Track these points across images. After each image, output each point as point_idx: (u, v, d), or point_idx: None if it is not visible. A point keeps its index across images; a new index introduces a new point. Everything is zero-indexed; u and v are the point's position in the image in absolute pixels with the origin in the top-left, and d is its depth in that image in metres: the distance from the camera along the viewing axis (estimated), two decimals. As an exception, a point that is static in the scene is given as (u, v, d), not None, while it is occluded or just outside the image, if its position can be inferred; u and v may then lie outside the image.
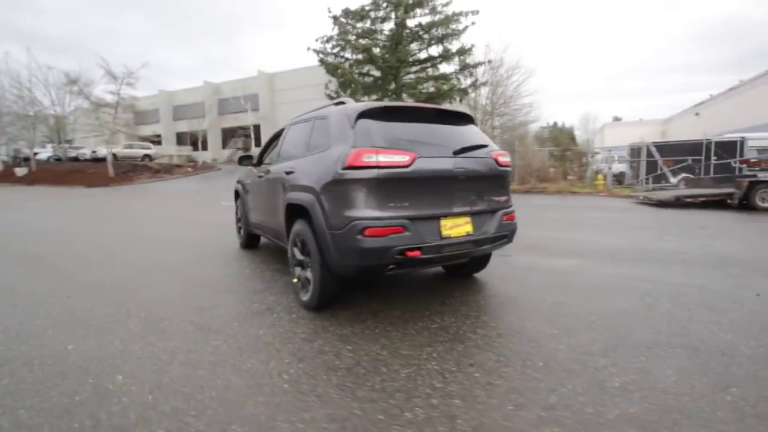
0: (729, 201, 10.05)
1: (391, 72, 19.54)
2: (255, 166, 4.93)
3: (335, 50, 20.31)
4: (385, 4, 19.83)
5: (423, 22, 19.51)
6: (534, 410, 1.88)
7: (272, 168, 4.05)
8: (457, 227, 2.88)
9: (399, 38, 18.82)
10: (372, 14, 20.48)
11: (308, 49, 20.22)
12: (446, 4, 19.72)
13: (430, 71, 20.68)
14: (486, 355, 2.41)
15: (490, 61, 19.56)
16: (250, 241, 5.41)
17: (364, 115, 2.88)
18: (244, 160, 4.98)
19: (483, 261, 3.82)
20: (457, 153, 2.94)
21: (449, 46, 19.69)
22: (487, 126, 27.76)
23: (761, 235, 6.60)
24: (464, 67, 19.73)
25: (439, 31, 19.52)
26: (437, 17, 19.59)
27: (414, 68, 20.68)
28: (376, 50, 18.98)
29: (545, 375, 2.18)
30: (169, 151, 35.75)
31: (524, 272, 4.18)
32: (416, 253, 2.68)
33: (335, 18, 19.97)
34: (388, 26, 20.56)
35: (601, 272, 4.19)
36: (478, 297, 3.44)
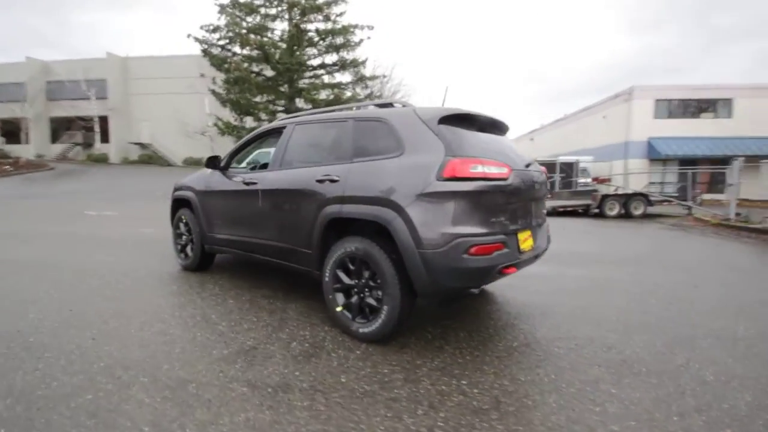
0: (581, 210, 12.71)
1: (288, 74, 18.62)
2: (222, 170, 4.01)
3: (222, 42, 18.34)
4: (277, 2, 18.86)
5: (320, 28, 19.21)
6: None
7: (274, 175, 3.35)
8: (526, 241, 2.84)
9: (298, 41, 18.08)
10: (262, 10, 19.25)
11: (188, 36, 17.86)
12: (340, 14, 19.86)
13: (326, 78, 20.45)
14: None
15: (385, 76, 20.42)
16: (204, 262, 4.37)
17: (444, 120, 2.62)
18: (212, 161, 4.00)
19: None
20: (528, 165, 2.92)
21: (346, 56, 19.85)
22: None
23: (637, 237, 8.40)
24: (360, 79, 20.11)
25: (336, 40, 19.50)
26: (331, 26, 19.55)
27: (309, 73, 20.15)
28: (273, 50, 17.80)
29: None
30: (-35, 141, 26.82)
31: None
32: (512, 270, 2.55)
33: (222, 7, 18.07)
34: (282, 26, 19.65)
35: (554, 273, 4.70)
36: (490, 308, 3.46)
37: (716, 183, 21.79)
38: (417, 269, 2.40)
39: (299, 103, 20.52)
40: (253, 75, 17.86)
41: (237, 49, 18.49)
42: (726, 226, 10.03)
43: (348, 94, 19.41)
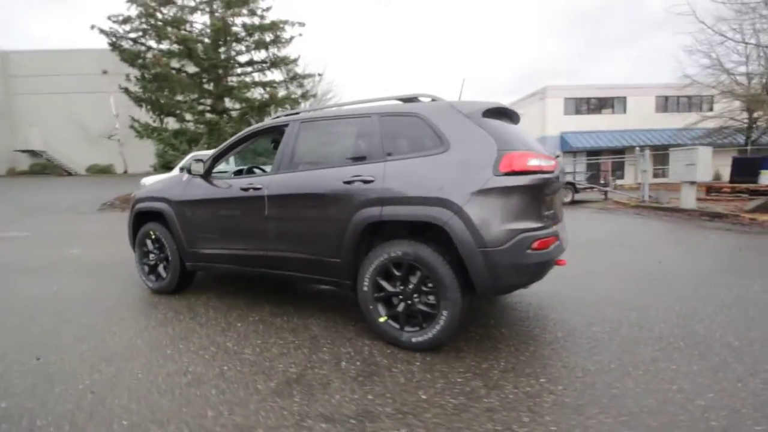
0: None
1: (214, 71, 17.21)
2: (204, 177, 3.50)
3: (134, 35, 16.34)
4: (196, -7, 17.32)
5: (247, 23, 18.04)
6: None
7: (283, 179, 2.99)
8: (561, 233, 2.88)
9: (225, 35, 16.77)
10: (179, 1, 17.52)
11: (92, 27, 15.53)
12: (266, 9, 18.87)
13: (256, 77, 19.31)
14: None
15: (319, 74, 19.86)
16: (183, 282, 3.79)
17: (486, 113, 2.54)
18: (197, 164, 3.45)
19: None
20: (557, 157, 2.95)
21: (277, 53, 18.92)
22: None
23: (578, 222, 9.19)
24: (294, 77, 19.33)
25: (265, 37, 18.49)
26: (258, 21, 18.51)
27: (238, 71, 18.86)
28: (196, 45, 16.29)
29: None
30: None
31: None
32: (563, 262, 2.56)
33: (132, -5, 16.06)
34: (204, 19, 18.10)
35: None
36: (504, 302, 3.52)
37: (615, 170, 24.97)
38: (479, 269, 2.29)
39: (228, 102, 19.12)
40: (174, 71, 16.17)
41: (153, 43, 16.60)
42: (643, 207, 11.45)
43: (282, 92, 18.52)
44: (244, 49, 18.73)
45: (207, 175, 3.49)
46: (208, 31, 17.25)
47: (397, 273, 2.53)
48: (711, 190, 13.68)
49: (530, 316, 3.14)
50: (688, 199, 10.20)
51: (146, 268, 3.93)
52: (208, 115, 16.99)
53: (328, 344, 2.67)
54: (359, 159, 2.76)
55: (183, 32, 16.12)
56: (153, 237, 3.83)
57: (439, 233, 2.50)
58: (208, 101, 17.92)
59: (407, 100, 2.87)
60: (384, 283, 2.59)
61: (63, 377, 2.28)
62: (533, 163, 2.34)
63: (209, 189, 3.42)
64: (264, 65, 19.38)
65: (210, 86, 18.08)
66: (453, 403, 1.97)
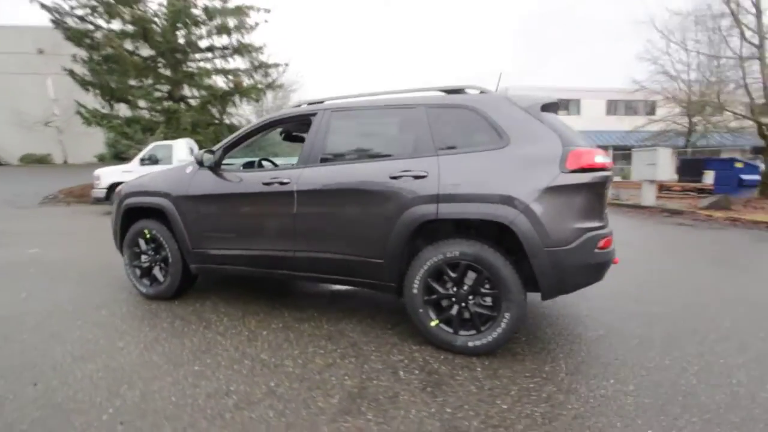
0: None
1: (172, 55, 16.00)
2: (213, 169, 3.14)
3: (81, 12, 14.77)
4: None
5: (208, 6, 16.93)
6: None
7: (317, 172, 2.73)
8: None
9: (186, 17, 15.60)
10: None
11: (32, 1, 13.83)
12: (227, -8, 17.83)
13: (218, 63, 18.21)
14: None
15: (286, 64, 19.09)
16: (184, 286, 3.41)
17: (545, 108, 2.46)
18: (208, 155, 3.06)
19: None
20: None
21: (241, 40, 17.95)
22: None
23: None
24: (260, 66, 18.45)
25: (228, 21, 17.47)
26: (221, 4, 17.46)
27: (199, 56, 17.68)
28: (153, 26, 15.04)
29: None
30: None
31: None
32: (617, 261, 2.54)
33: (75, -32, 14.49)
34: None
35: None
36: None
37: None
38: (545, 269, 2.21)
39: (188, 90, 17.90)
40: (128, 54, 14.80)
41: (102, 22, 15.07)
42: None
43: (248, 81, 17.60)
44: (205, 33, 17.58)
45: (217, 168, 3.14)
46: (165, 11, 15.98)
47: (452, 274, 2.39)
48: (662, 188, 14.76)
49: (562, 314, 3.12)
50: (649, 196, 10.91)
51: (137, 272, 3.49)
52: (166, 103, 15.78)
53: (373, 351, 2.48)
54: (405, 152, 2.57)
55: (137, 11, 14.79)
56: (147, 236, 3.40)
57: (498, 232, 2.39)
58: (165, 87, 16.67)
59: (452, 91, 2.72)
60: (436, 286, 2.44)
61: (78, 407, 1.92)
62: (599, 159, 2.28)
63: (221, 183, 3.07)
64: (226, 51, 18.34)
65: (167, 71, 16.83)
66: (538, 411, 1.88)
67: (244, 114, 21.73)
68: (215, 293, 3.61)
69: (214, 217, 3.10)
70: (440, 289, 2.44)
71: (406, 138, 2.63)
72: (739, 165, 13.45)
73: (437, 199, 2.37)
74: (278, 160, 4.66)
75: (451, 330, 2.43)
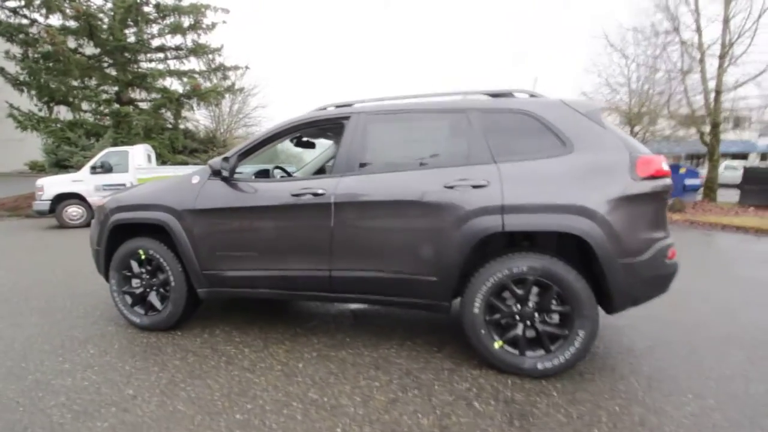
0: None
1: (121, 54, 14.74)
2: (226, 179, 2.76)
3: (14, 4, 13.21)
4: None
5: (161, 3, 15.84)
6: None
7: (357, 181, 2.46)
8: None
9: (136, 14, 14.45)
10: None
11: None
12: (181, -11, 16.82)
13: (172, 65, 17.07)
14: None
15: (247, 67, 18.28)
16: (187, 314, 2.97)
17: (601, 113, 2.37)
18: (224, 163, 2.66)
19: None
20: None
21: (198, 40, 16.97)
22: (231, 136, 25.96)
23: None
24: (218, 68, 17.52)
25: (183, 20, 16.45)
26: (174, 2, 16.43)
27: (151, 56, 16.46)
28: (99, 22, 13.77)
29: None
30: None
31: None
32: (671, 272, 2.49)
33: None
34: (105, -7, 15.40)
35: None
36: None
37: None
38: (619, 281, 2.11)
39: (136, 92, 16.58)
40: (70, 51, 13.38)
41: (38, 16, 13.53)
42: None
43: (206, 84, 16.61)
44: (157, 32, 16.43)
45: (229, 178, 2.76)
46: (111, 6, 14.70)
47: (518, 291, 2.22)
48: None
49: (602, 325, 3.06)
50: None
51: (129, 299, 3.00)
52: (116, 106, 14.49)
53: (433, 380, 2.24)
54: (457, 160, 2.38)
55: (81, 6, 13.47)
56: (141, 258, 2.93)
57: (565, 244, 2.26)
58: (113, 89, 15.33)
59: (499, 95, 2.57)
60: (499, 304, 2.26)
61: (105, 482, 1.51)
62: (664, 166, 2.22)
63: (238, 195, 2.70)
64: (181, 52, 17.25)
65: (114, 72, 15.49)
66: (642, 439, 1.74)
67: (197, 119, 20.56)
68: (219, 319, 3.18)
69: (231, 233, 2.72)
70: (504, 308, 2.26)
71: (456, 144, 2.44)
72: (682, 171, 14.64)
73: (502, 210, 2.19)
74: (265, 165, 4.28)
75: (516, 351, 2.25)
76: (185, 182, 2.87)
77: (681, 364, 2.43)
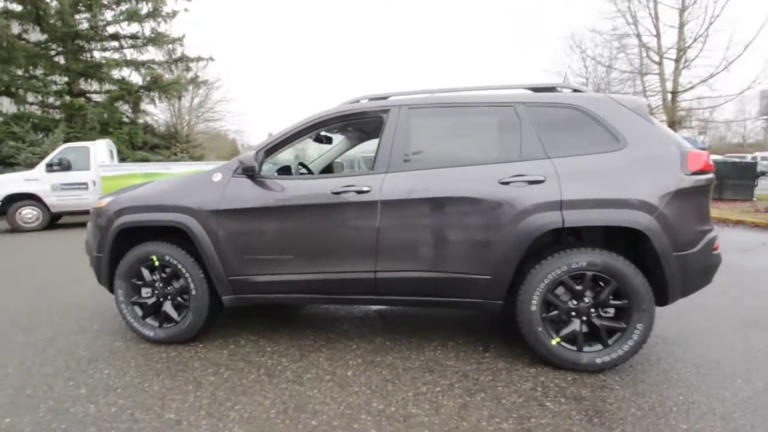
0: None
1: (72, 41, 13.53)
2: (253, 178, 2.54)
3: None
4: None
5: (115, -13, 14.69)
6: None
7: (404, 179, 2.34)
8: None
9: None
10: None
11: None
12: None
13: (129, 54, 15.90)
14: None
15: (212, 58, 17.38)
16: (209, 322, 2.72)
17: (646, 109, 2.40)
18: (250, 157, 2.42)
19: None
20: None
21: (157, 29, 15.91)
22: (193, 131, 24.69)
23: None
24: (181, 59, 16.54)
25: (140, 7, 15.37)
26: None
27: (105, 44, 15.24)
28: (48, 7, 12.53)
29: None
30: None
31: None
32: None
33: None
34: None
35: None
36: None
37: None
38: (674, 274, 2.14)
39: (89, 83, 15.30)
40: (15, 38, 12.06)
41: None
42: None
43: (168, 75, 15.61)
44: (111, 19, 15.22)
45: (256, 176, 2.54)
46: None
47: (576, 287, 2.20)
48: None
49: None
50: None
51: (140, 310, 2.71)
52: (67, 98, 13.30)
53: (494, 382, 2.18)
54: (508, 155, 2.33)
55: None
56: (155, 264, 2.65)
57: (607, 238, 2.29)
58: (64, 79, 14.06)
59: (542, 89, 2.54)
60: (556, 300, 2.24)
61: None
62: (710, 161, 2.28)
63: (270, 194, 2.49)
64: (138, 41, 16.11)
65: (63, 60, 14.21)
66: (719, 427, 1.77)
67: (154, 113, 19.32)
68: (238, 328, 2.96)
69: (263, 235, 2.51)
70: (561, 304, 2.24)
71: (507, 139, 2.38)
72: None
73: (560, 205, 2.16)
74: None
75: (573, 347, 2.24)
76: (205, 180, 2.62)
77: (718, 349, 2.52)
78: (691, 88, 13.41)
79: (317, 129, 2.71)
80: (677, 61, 13.07)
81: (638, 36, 13.40)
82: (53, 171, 8.60)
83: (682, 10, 12.90)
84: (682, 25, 12.84)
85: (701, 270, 2.22)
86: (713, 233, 2.29)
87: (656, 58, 13.30)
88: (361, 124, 2.92)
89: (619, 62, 15.24)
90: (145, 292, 2.72)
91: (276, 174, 2.90)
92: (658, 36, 13.07)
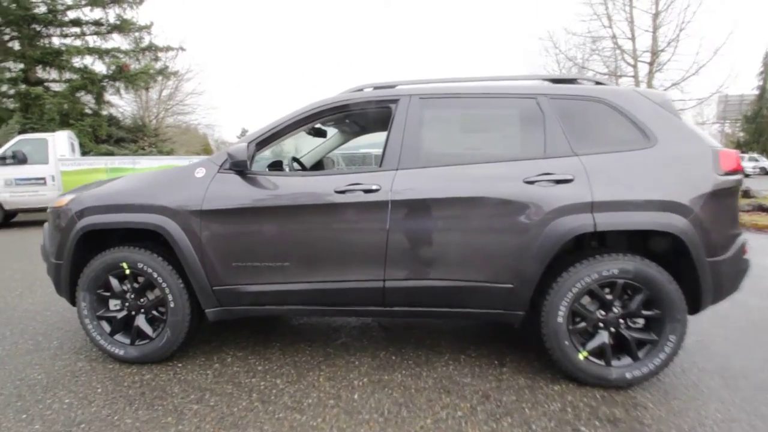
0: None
1: (28, 27, 12.50)
2: (243, 174, 2.22)
3: None
4: None
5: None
6: None
7: (417, 177, 2.09)
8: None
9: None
10: None
11: None
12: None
13: (92, 41, 14.90)
14: None
15: (182, 48, 16.56)
16: (189, 337, 2.38)
17: (672, 103, 2.24)
18: (239, 150, 2.10)
19: None
20: None
21: (123, 15, 14.99)
22: (161, 125, 23.56)
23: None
24: (149, 48, 15.66)
25: (106, -10, 14.41)
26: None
27: (65, 30, 14.20)
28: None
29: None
30: None
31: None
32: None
33: None
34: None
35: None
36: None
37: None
38: (708, 280, 2.00)
39: (47, 71, 14.23)
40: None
41: None
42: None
43: (135, 65, 14.71)
44: (71, 2, 14.18)
45: (246, 173, 2.23)
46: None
47: (607, 297, 2.02)
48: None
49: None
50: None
51: (108, 325, 2.34)
52: (24, 86, 12.28)
53: (518, 403, 1.96)
54: (531, 152, 2.12)
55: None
56: (125, 272, 2.29)
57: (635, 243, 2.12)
58: (19, 66, 12.99)
59: (561, 80, 2.34)
60: (583, 311, 2.05)
61: None
62: (740, 161, 2.15)
63: (263, 192, 2.18)
64: (102, 27, 15.13)
65: (18, 46, 13.13)
66: (772, 452, 1.62)
67: (120, 105, 18.23)
68: (222, 342, 2.63)
69: (255, 239, 2.20)
70: (589, 314, 2.05)
71: (530, 133, 2.17)
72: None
73: (591, 207, 1.97)
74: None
75: (602, 362, 2.06)
76: (185, 176, 2.29)
77: (739, 357, 2.41)
78: (664, 90, 13.79)
79: (316, 119, 2.42)
80: (651, 64, 13.42)
81: (614, 39, 13.68)
82: (6, 164, 7.86)
83: (656, 15, 13.26)
84: (655, 29, 13.20)
85: (733, 275, 2.09)
86: (743, 237, 2.16)
87: (631, 61, 13.62)
88: (364, 115, 2.65)
89: (594, 64, 15.47)
90: (114, 304, 2.36)
91: (267, 170, 2.59)
92: (633, 39, 13.38)
